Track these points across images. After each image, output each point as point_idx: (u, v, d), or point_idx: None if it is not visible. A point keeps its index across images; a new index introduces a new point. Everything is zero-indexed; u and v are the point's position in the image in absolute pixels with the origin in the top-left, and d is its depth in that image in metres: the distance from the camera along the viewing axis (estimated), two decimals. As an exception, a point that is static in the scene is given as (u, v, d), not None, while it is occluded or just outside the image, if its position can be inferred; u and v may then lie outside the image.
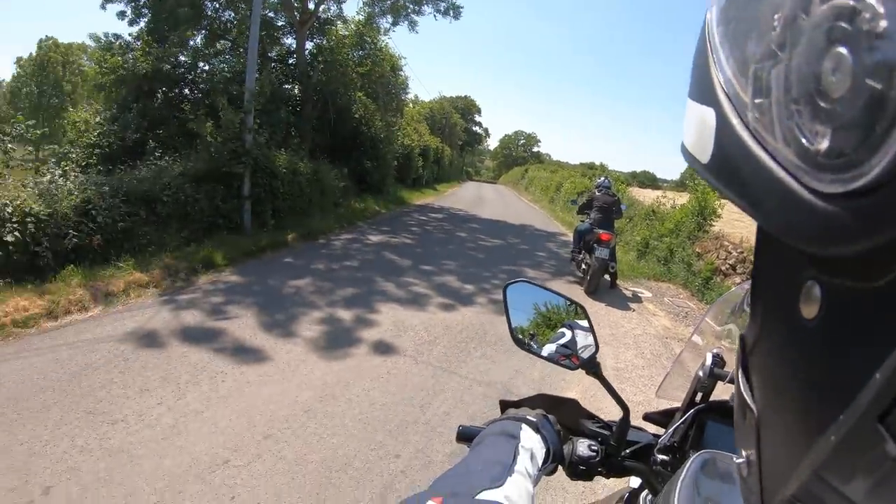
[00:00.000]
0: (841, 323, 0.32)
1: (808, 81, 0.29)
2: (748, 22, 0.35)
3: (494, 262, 10.70)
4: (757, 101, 0.33)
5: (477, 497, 0.78)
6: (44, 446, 3.38)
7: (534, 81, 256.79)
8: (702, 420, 1.30)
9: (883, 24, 0.25)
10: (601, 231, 8.83)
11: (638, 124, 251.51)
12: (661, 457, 1.26)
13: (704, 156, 0.40)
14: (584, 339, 1.24)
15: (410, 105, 32.19)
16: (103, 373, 4.40)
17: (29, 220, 6.28)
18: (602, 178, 10.33)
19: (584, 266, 9.40)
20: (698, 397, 1.36)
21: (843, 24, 0.27)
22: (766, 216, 0.34)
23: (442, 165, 39.32)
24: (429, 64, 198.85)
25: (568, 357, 1.23)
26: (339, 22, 18.21)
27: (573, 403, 1.31)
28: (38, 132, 9.15)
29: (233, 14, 15.61)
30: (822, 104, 0.28)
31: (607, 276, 9.32)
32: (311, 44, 17.15)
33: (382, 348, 5.49)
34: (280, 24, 17.19)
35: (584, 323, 1.25)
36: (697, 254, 11.01)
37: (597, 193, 9.70)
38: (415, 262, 9.61)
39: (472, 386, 4.82)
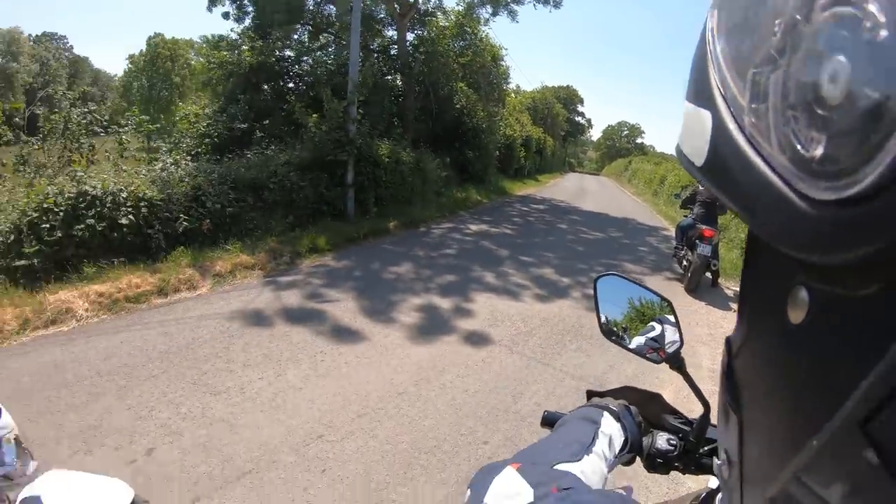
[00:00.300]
0: (827, 329, 0.32)
1: (806, 88, 0.29)
2: (748, 27, 0.34)
3: (594, 255, 10.41)
4: (754, 105, 0.33)
5: (554, 467, 0.80)
6: (149, 412, 3.51)
7: (636, 72, 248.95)
8: None
9: (884, 33, 0.25)
10: (704, 227, 8.44)
11: None
12: None
13: (699, 158, 0.39)
14: (672, 335, 1.22)
15: (512, 95, 31.78)
16: (209, 347, 4.52)
17: (142, 204, 6.63)
18: None
19: (685, 263, 9.03)
20: None
21: (844, 32, 0.27)
22: (758, 220, 0.34)
23: (544, 156, 38.66)
24: (530, 54, 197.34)
25: (655, 351, 1.22)
26: (439, 13, 18.15)
27: (657, 398, 1.30)
28: (152, 127, 9.63)
29: (334, 8, 15.91)
30: (819, 111, 0.28)
31: (709, 275, 8.82)
32: (412, 35, 17.19)
33: (478, 337, 5.42)
34: (381, 16, 17.36)
35: (672, 318, 1.23)
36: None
37: (700, 188, 9.10)
38: (514, 253, 9.43)
39: (565, 379, 4.71)
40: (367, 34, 15.64)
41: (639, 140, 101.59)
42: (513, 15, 19.82)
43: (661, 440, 1.20)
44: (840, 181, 0.27)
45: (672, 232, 11.50)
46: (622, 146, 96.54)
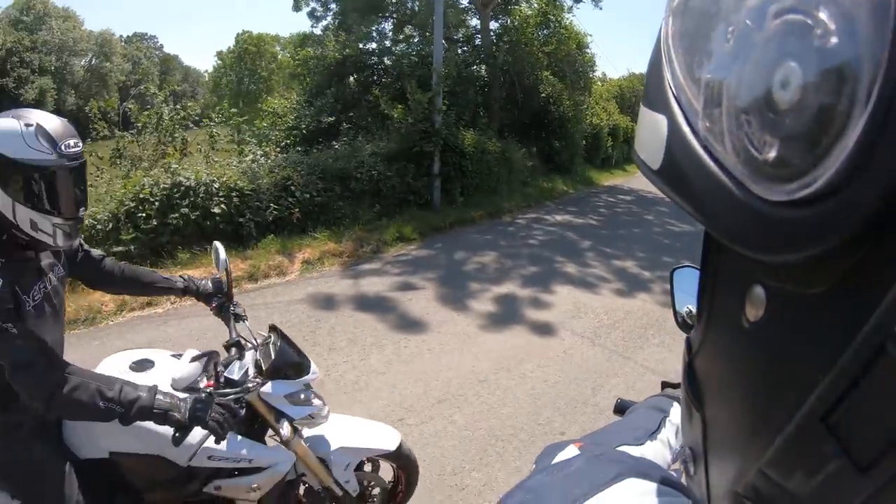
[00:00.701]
0: (784, 326, 0.33)
1: (759, 93, 0.29)
2: (702, 33, 0.35)
3: (681, 248, 9.94)
4: (708, 110, 0.33)
5: (615, 448, 0.80)
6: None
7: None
8: None
9: (833, 40, 0.25)
10: None
11: None
12: None
13: (655, 162, 0.39)
14: None
15: (598, 83, 31.01)
16: (296, 330, 4.52)
17: (234, 194, 6.80)
18: None
19: None
20: None
21: (795, 40, 0.27)
22: (714, 222, 0.35)
23: (632, 146, 37.52)
24: (616, 41, 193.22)
25: None
26: (522, 2, 17.85)
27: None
28: (241, 119, 9.92)
29: (417, 1, 15.93)
30: (771, 115, 0.28)
31: None
32: (496, 24, 16.96)
33: (560, 328, 5.40)
34: (463, 6, 17.25)
35: None
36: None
37: None
38: (598, 244, 9.20)
39: (646, 373, 4.68)
40: (450, 25, 15.58)
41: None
42: (596, 1, 19.34)
43: None
44: (792, 183, 0.28)
45: None
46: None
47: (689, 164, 0.35)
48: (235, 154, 8.26)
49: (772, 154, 0.29)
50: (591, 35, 20.24)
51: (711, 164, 0.33)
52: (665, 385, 1.28)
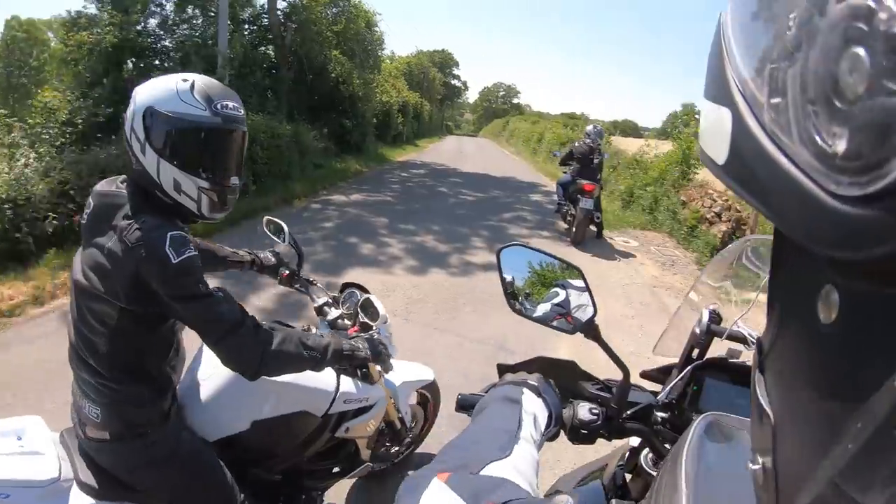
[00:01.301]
0: (859, 328, 0.31)
1: (825, 82, 0.28)
2: (763, 22, 0.35)
3: (477, 217, 10.62)
4: (773, 101, 0.33)
5: (483, 472, 0.79)
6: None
7: (512, 30, 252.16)
8: (699, 377, 1.33)
9: None
10: (584, 182, 8.77)
11: (619, 72, 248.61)
12: (660, 415, 1.30)
13: (720, 157, 0.39)
14: (577, 299, 1.22)
15: (387, 61, 31.69)
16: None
17: (6, 206, 6.05)
18: (591, 127, 10.09)
19: (569, 217, 9.34)
20: (695, 354, 1.40)
21: (860, 25, 0.26)
22: (783, 218, 0.34)
23: (422, 121, 39.01)
24: (405, 18, 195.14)
25: (563, 317, 1.22)
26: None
27: (571, 365, 1.31)
28: (12, 119, 8.80)
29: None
30: (839, 105, 0.28)
31: (593, 227, 9.27)
32: (284, 3, 16.71)
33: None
34: (250, -18, 16.71)
35: (580, 283, 1.21)
36: (682, 202, 11.00)
37: (577, 144, 9.58)
38: (397, 221, 9.49)
39: (464, 343, 4.83)
40: (236, 4, 15.04)
41: (515, 100, 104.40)
42: None
43: (584, 410, 1.19)
44: (864, 176, 0.27)
45: (552, 187, 11.94)
46: (499, 107, 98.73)
47: (756, 158, 0.34)
48: (5, 159, 7.25)
49: (841, 146, 0.28)
50: (380, 14, 20.62)
51: (779, 157, 0.32)
52: (502, 368, 1.25)
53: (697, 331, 1.41)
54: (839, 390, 0.33)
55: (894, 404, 0.27)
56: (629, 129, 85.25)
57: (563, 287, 1.24)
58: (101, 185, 1.72)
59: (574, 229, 8.83)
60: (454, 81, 79.83)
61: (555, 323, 1.22)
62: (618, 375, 1.25)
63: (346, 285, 2.57)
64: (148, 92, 1.61)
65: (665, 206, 11.46)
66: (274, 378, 1.79)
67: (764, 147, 0.33)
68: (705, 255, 9.00)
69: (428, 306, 5.64)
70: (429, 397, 3.07)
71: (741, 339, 1.42)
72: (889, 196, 0.25)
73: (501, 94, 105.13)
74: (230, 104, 1.67)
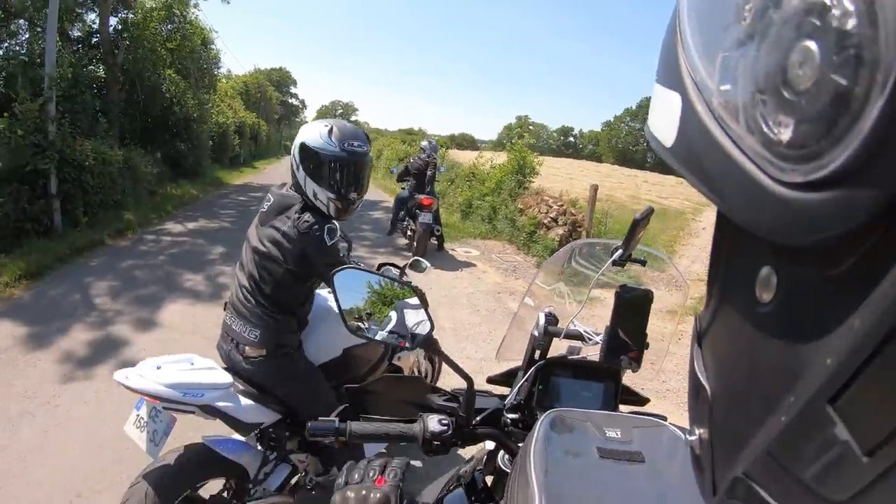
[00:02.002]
0: (795, 308, 0.33)
1: (775, 73, 0.29)
2: (718, 10, 0.35)
3: None
4: (723, 88, 0.34)
5: None
6: None
7: (349, 48, 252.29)
8: (543, 376, 1.37)
9: (852, 21, 0.25)
10: (422, 196, 9.06)
11: (455, 87, 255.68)
12: (510, 416, 1.34)
13: (668, 139, 0.40)
14: (416, 318, 1.26)
15: (223, 80, 30.75)
16: None
17: None
18: (425, 141, 10.28)
19: (409, 233, 9.53)
20: (537, 355, 1.46)
21: (813, 20, 0.27)
22: (727, 202, 0.35)
23: (259, 142, 38.00)
24: (242, 36, 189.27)
25: (403, 337, 1.26)
26: (146, -8, 16.89)
27: (418, 381, 1.36)
28: None
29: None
30: (788, 96, 0.28)
31: (434, 240, 9.47)
32: (116, 19, 15.76)
33: (201, 341, 5.13)
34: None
35: (416, 301, 1.28)
36: (520, 210, 11.65)
37: (412, 160, 9.87)
38: (236, 249, 8.52)
39: None
40: (65, 19, 13.94)
41: (353, 117, 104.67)
42: None
43: (433, 422, 1.20)
44: (808, 164, 0.27)
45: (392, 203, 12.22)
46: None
47: (703, 142, 0.35)
48: None
49: (787, 134, 0.29)
50: (216, 31, 20.13)
51: (726, 142, 0.33)
52: (350, 392, 1.32)
53: (536, 333, 1.46)
54: (774, 366, 0.34)
55: (826, 379, 0.29)
56: (466, 143, 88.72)
57: (400, 310, 1.29)
58: (277, 189, 2.62)
59: (415, 244, 8.93)
60: (292, 100, 78.93)
61: (398, 343, 1.28)
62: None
63: (382, 265, 3.24)
64: (305, 132, 2.55)
65: (503, 215, 12.16)
66: None
67: (711, 132, 0.35)
68: (545, 258, 9.55)
69: None
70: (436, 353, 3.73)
71: (578, 337, 1.52)
72: (832, 184, 0.27)
73: (339, 111, 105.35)
74: (356, 143, 2.53)
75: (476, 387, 1.27)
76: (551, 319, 1.49)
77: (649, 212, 1.39)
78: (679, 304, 5.43)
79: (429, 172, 9.45)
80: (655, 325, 1.46)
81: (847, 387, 0.28)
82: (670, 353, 1.79)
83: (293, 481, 2.69)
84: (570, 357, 1.47)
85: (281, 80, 72.87)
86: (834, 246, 0.28)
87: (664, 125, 0.41)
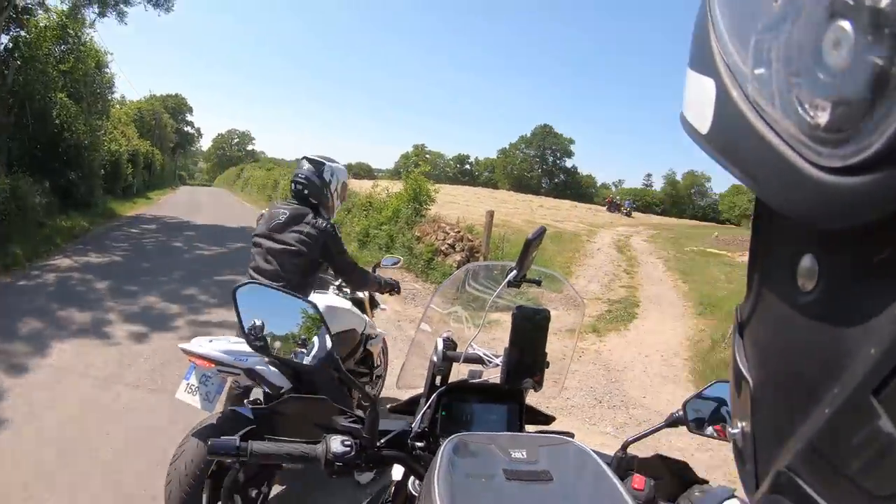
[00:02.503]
0: (837, 296, 0.32)
1: (809, 54, 0.28)
2: None
3: (215, 271, 10.19)
4: (757, 72, 0.33)
5: None
6: None
7: (247, 75, 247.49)
8: (446, 402, 1.37)
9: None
10: None
11: (353, 117, 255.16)
12: (417, 444, 1.32)
13: (703, 126, 0.39)
14: (321, 338, 1.25)
15: (117, 106, 29.37)
16: None
17: None
18: None
19: None
20: (437, 381, 1.45)
21: None
22: (765, 188, 0.34)
23: (153, 171, 36.42)
24: (138, 59, 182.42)
25: (309, 356, 1.25)
26: (40, 11, 15.95)
27: (324, 403, 1.33)
28: None
29: None
30: (823, 77, 0.28)
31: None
32: (7, 37, 14.66)
33: (111, 385, 4.94)
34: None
35: (319, 322, 1.26)
36: (417, 238, 11.72)
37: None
38: (131, 284, 8.69)
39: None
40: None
41: (250, 147, 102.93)
42: (122, 16, 18.98)
43: (336, 443, 1.17)
44: (846, 148, 0.26)
45: None
46: (233, 154, 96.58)
47: (739, 128, 0.34)
48: None
49: (824, 118, 0.28)
50: (111, 53, 19.33)
51: (762, 127, 0.32)
52: (256, 412, 1.43)
53: (435, 359, 1.45)
54: (816, 356, 0.33)
55: (870, 370, 0.28)
56: (363, 172, 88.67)
57: (311, 330, 1.28)
58: (285, 204, 3.45)
59: None
60: (187, 128, 76.12)
61: (299, 360, 1.26)
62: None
63: (376, 266, 4.37)
64: (339, 167, 3.66)
65: (401, 243, 12.15)
66: (343, 308, 3.85)
67: (747, 117, 0.34)
68: None
69: (171, 372, 5.26)
70: (385, 350, 4.74)
71: (478, 360, 1.50)
72: (870, 168, 0.26)
73: (236, 140, 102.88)
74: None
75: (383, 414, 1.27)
76: (450, 344, 1.48)
77: (541, 231, 1.43)
78: (576, 323, 5.50)
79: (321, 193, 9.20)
80: (555, 344, 1.47)
81: (891, 377, 0.27)
82: (571, 370, 1.85)
83: None
84: (471, 381, 1.46)
85: (176, 107, 70.37)
86: (876, 231, 0.28)
87: (699, 112, 0.40)
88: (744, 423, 0.44)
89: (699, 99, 0.39)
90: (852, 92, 0.26)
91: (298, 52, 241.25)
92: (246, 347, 2.82)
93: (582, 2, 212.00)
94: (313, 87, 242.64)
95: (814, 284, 0.33)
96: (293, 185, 3.46)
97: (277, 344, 1.26)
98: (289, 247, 3.24)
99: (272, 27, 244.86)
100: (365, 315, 4.11)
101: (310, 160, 3.54)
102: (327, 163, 3.55)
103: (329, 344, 1.23)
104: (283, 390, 2.96)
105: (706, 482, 1.37)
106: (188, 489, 2.50)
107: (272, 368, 2.95)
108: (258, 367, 2.90)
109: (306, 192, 3.44)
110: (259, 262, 3.26)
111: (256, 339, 1.25)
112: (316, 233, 3.28)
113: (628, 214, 45.94)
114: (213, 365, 2.84)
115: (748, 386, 0.42)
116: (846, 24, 0.26)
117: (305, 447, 1.18)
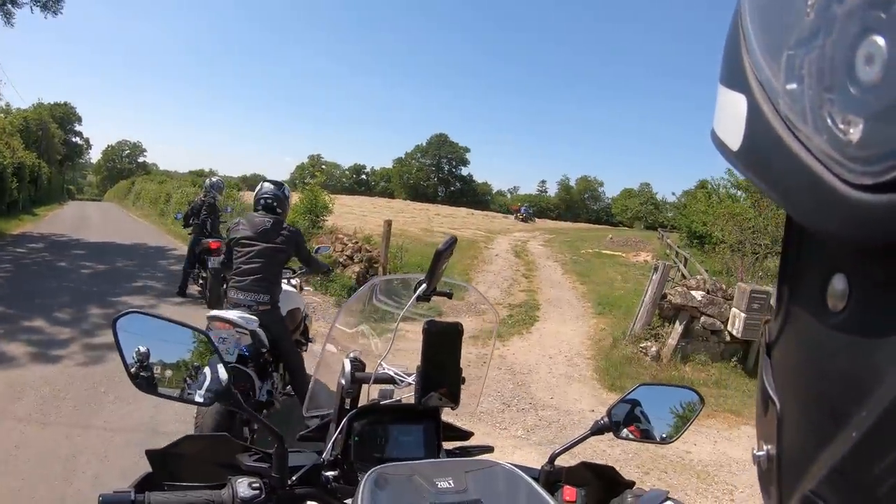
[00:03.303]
0: (867, 317, 0.31)
1: (842, 69, 0.28)
2: (781, 8, 0.34)
3: (105, 290, 9.76)
4: (789, 87, 0.33)
5: None
6: None
7: (139, 84, 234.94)
8: (358, 426, 1.31)
9: None
10: (210, 240, 8.56)
11: (247, 127, 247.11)
12: (329, 474, 1.26)
13: (735, 143, 0.39)
14: (216, 371, 1.14)
15: (1, 115, 27.86)
16: None
17: None
18: (208, 180, 9.94)
19: (200, 281, 9.05)
20: (347, 404, 1.38)
21: (879, 13, 0.26)
22: (796, 205, 0.34)
23: (40, 185, 34.05)
24: (27, 68, 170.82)
25: (206, 391, 1.14)
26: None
27: (224, 439, 1.24)
28: None
29: None
30: (856, 93, 0.28)
31: (225, 287, 8.53)
32: None
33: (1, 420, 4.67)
34: None
35: (213, 354, 1.17)
36: (315, 249, 11.48)
37: (197, 200, 9.38)
38: (12, 308, 8.07)
39: (115, 436, 4.48)
40: None
41: (141, 159, 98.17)
42: (8, 17, 18.35)
43: (243, 486, 1.09)
44: (879, 165, 0.26)
45: (184, 250, 11.23)
46: (124, 167, 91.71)
47: (771, 145, 0.34)
48: None
49: (856, 134, 0.27)
50: (-5, 58, 18.47)
51: (794, 144, 0.32)
52: (153, 456, 1.17)
53: (343, 381, 1.37)
54: (845, 378, 0.33)
55: None
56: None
57: (208, 365, 1.17)
58: (263, 215, 4.46)
59: (208, 293, 8.40)
60: (76, 139, 71.89)
61: (192, 398, 1.14)
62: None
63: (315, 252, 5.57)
64: (285, 183, 4.93)
65: None
66: (292, 291, 4.94)
67: (778, 134, 0.34)
68: (343, 296, 9.71)
69: (66, 403, 5.05)
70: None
71: (389, 380, 1.43)
72: None
73: (126, 152, 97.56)
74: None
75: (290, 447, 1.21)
76: (358, 364, 1.42)
77: (452, 242, 1.34)
78: (480, 329, 5.61)
79: (202, 213, 9.01)
80: (467, 354, 1.40)
81: None
82: (478, 377, 1.73)
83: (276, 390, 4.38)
84: (382, 402, 1.41)
85: (65, 117, 66.00)
86: None
87: (730, 128, 0.40)
88: (769, 446, 0.43)
89: (730, 115, 0.39)
90: (884, 107, 0.26)
91: (193, 61, 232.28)
92: (252, 316, 4.10)
93: (472, 12, 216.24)
94: (208, 97, 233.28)
95: (844, 305, 0.33)
96: (263, 201, 4.64)
97: (166, 375, 1.14)
98: (277, 246, 4.38)
99: (168, 33, 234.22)
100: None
101: (269, 181, 4.83)
102: (283, 183, 4.89)
103: (225, 377, 1.14)
104: (266, 347, 4.18)
105: (633, 483, 1.36)
106: None
107: (262, 330, 4.13)
108: (256, 329, 4.08)
109: (275, 204, 4.62)
110: (244, 259, 4.32)
111: (141, 369, 1.12)
112: (292, 235, 4.52)
113: (525, 220, 47.66)
114: (231, 326, 3.89)
115: (775, 407, 0.42)
116: (880, 40, 0.26)
117: (209, 493, 1.10)
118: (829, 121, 0.29)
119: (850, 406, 0.31)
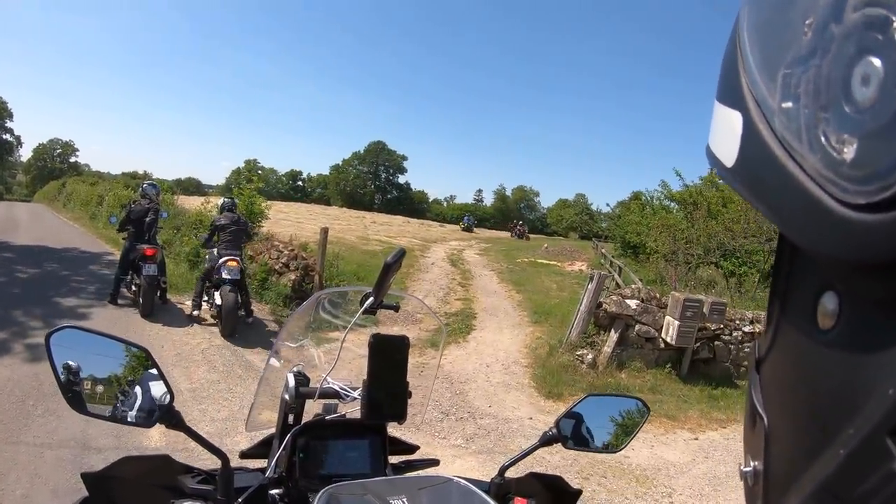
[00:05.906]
0: (857, 335, 0.31)
1: (838, 89, 0.28)
2: (778, 26, 0.34)
3: (35, 297, 9.19)
4: (784, 105, 0.33)
5: None
6: None
7: (73, 78, 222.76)
8: (303, 442, 1.29)
9: None
10: (146, 247, 8.37)
11: (182, 129, 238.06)
12: (275, 492, 1.23)
13: (729, 160, 0.39)
14: (156, 390, 1.10)
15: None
16: None
17: None
18: (146, 184, 9.70)
19: (133, 288, 8.79)
20: (291, 420, 1.36)
21: (876, 34, 0.26)
22: (788, 223, 0.34)
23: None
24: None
25: (145, 412, 1.09)
26: None
27: (165, 460, 1.19)
28: None
29: None
30: (851, 113, 0.28)
31: (158, 294, 8.72)
32: None
33: None
34: None
35: (154, 371, 1.12)
36: (250, 257, 11.08)
37: (133, 206, 9.10)
38: None
39: (44, 452, 4.26)
40: None
41: (73, 159, 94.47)
42: None
43: None
44: (872, 185, 0.26)
45: (117, 255, 10.73)
46: (56, 166, 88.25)
47: (765, 162, 0.34)
48: None
49: (850, 153, 0.28)
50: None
51: (788, 162, 0.32)
52: (89, 479, 1.11)
53: (287, 396, 1.34)
54: (833, 396, 0.33)
55: (887, 412, 0.28)
56: (193, 188, 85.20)
57: (139, 384, 1.11)
58: (233, 214, 8.69)
59: (141, 300, 8.21)
60: (6, 136, 68.66)
61: (129, 418, 1.09)
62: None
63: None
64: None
65: None
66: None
67: (773, 152, 0.34)
68: (278, 304, 9.67)
69: (12, 415, 4.83)
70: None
71: (334, 395, 1.39)
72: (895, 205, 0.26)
73: (58, 151, 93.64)
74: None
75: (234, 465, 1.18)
76: (302, 379, 1.38)
77: (401, 254, 1.29)
78: (416, 338, 5.66)
79: (148, 218, 8.74)
80: (414, 368, 1.36)
81: None
82: (414, 386, 1.65)
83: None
84: (327, 418, 1.38)
85: (-5, 112, 63.74)
86: None
87: (725, 145, 0.40)
88: (756, 462, 0.43)
89: (725, 132, 0.39)
90: (880, 127, 0.26)
91: (127, 60, 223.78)
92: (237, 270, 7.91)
93: (413, 21, 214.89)
94: (143, 97, 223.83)
95: (834, 323, 0.33)
96: (228, 205, 8.54)
97: (97, 391, 1.08)
98: (246, 229, 8.19)
99: (105, 31, 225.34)
100: None
101: (227, 197, 6.78)
102: (234, 198, 7.86)
103: (168, 397, 1.10)
104: (243, 292, 7.93)
105: (580, 492, 1.38)
106: None
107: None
108: (239, 279, 7.90)
109: (234, 207, 8.53)
110: (230, 237, 7.88)
111: (73, 385, 1.06)
112: (247, 223, 7.86)
113: (468, 229, 48.91)
114: (238, 263, 8.03)
115: (763, 423, 0.42)
116: (876, 61, 0.27)
117: None
118: (823, 140, 0.30)
119: (838, 423, 0.31)
